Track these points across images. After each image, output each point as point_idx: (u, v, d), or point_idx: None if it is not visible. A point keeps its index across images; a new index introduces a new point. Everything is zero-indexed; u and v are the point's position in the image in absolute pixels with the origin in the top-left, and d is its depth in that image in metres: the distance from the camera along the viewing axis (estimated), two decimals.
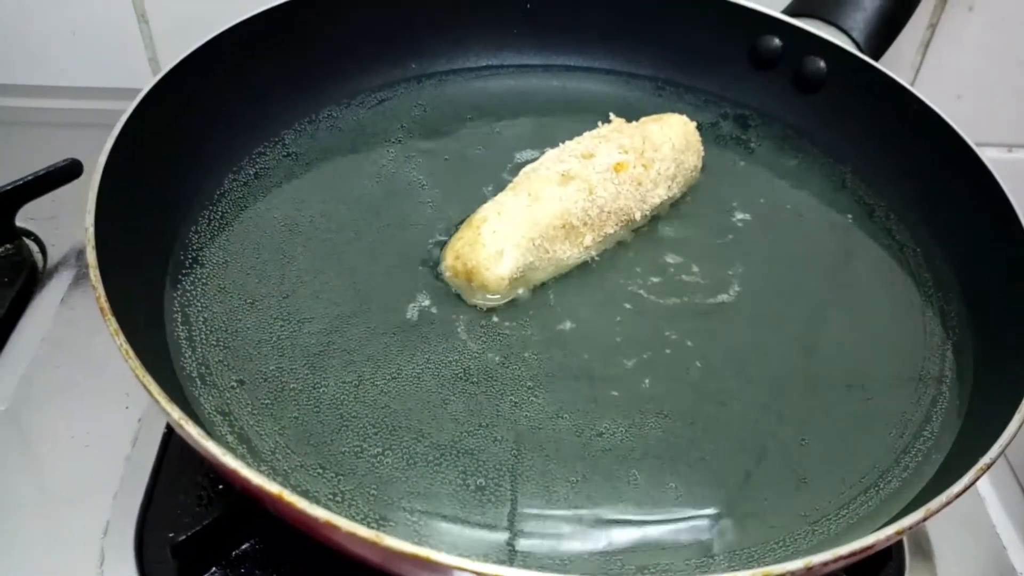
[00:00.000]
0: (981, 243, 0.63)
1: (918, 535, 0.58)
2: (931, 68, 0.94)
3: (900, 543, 0.57)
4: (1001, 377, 0.52)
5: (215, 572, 0.52)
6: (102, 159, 0.55)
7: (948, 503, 0.42)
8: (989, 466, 0.44)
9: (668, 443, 0.53)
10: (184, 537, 0.50)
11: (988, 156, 0.62)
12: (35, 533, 0.54)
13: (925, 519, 0.41)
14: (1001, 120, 0.97)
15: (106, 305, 0.47)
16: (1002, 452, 0.44)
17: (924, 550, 0.57)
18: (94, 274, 0.48)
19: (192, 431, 0.42)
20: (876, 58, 0.76)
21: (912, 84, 0.95)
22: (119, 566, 0.52)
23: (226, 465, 0.41)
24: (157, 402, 0.43)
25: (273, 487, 0.40)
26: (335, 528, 0.39)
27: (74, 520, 0.54)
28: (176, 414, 0.42)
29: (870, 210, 0.70)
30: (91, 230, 0.51)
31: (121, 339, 0.45)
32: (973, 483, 0.43)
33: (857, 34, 0.76)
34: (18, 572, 0.52)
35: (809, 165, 0.74)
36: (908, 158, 0.70)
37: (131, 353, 0.44)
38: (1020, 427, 0.45)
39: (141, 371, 0.44)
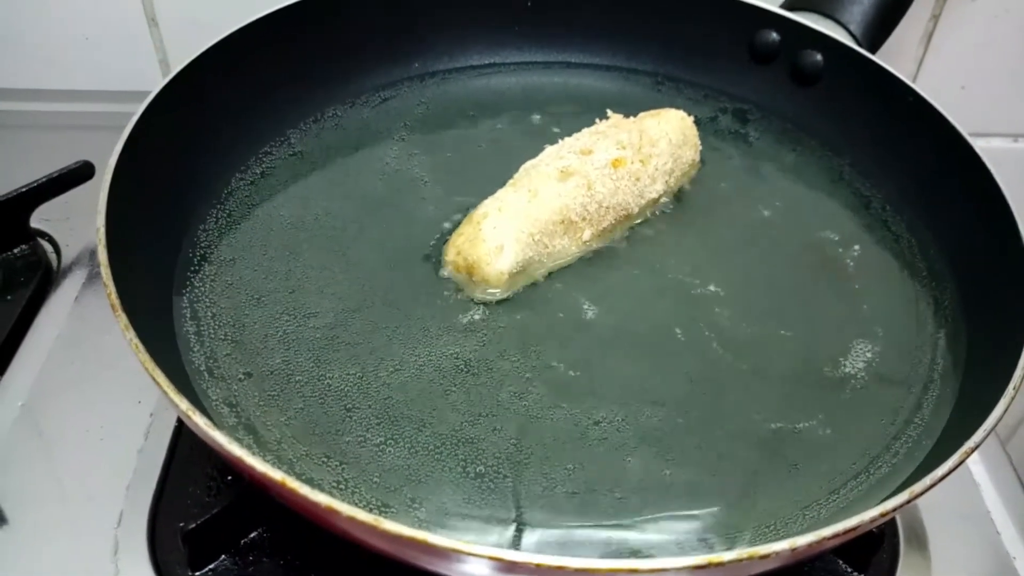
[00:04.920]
0: (976, 235, 0.64)
1: (912, 521, 0.59)
2: (934, 59, 0.94)
3: (894, 529, 0.57)
4: (991, 366, 0.53)
5: (224, 560, 0.53)
6: (112, 161, 0.56)
7: (932, 485, 0.43)
8: (974, 449, 0.45)
9: (663, 432, 0.54)
10: (194, 526, 0.52)
11: (993, 146, 0.62)
12: (52, 523, 0.55)
13: (910, 501, 0.42)
14: (1005, 110, 0.98)
15: (117, 301, 0.48)
16: (986, 436, 0.45)
17: (919, 536, 0.58)
18: (105, 272, 0.50)
19: (199, 421, 0.43)
20: (874, 51, 0.77)
21: (915, 76, 0.95)
22: (132, 554, 0.54)
23: (231, 453, 0.42)
24: (165, 394, 0.44)
25: (276, 474, 0.41)
26: (336, 513, 0.40)
27: (89, 510, 0.56)
28: (184, 405, 0.44)
29: (867, 202, 0.71)
30: (102, 230, 0.52)
31: (131, 334, 0.47)
32: (958, 466, 0.44)
33: (854, 27, 0.77)
34: (36, 561, 0.54)
35: (807, 158, 0.75)
36: (905, 150, 0.71)
37: (140, 347, 0.46)
38: (1004, 413, 0.46)
39: (150, 364, 0.45)
